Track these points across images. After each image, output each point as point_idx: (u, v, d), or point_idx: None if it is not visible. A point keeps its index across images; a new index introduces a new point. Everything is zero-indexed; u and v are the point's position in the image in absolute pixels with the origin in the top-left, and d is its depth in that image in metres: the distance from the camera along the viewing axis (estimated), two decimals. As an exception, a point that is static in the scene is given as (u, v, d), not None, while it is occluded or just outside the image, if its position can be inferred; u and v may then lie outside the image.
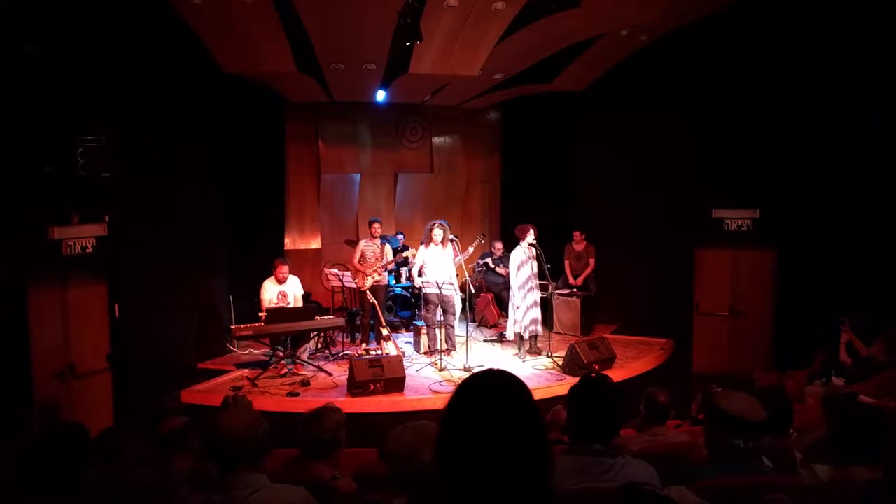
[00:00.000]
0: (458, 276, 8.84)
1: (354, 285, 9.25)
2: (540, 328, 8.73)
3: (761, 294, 9.15)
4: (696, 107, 9.05)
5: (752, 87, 8.65)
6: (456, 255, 8.86)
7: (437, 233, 8.56)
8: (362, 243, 9.23)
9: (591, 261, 10.37)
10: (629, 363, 8.64)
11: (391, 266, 9.59)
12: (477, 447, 1.38)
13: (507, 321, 9.01)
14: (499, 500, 1.37)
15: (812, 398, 5.78)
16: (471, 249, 9.69)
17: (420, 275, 8.68)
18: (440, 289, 8.28)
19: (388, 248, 9.30)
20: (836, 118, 7.99)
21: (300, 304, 8.71)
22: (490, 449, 1.37)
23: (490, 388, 1.47)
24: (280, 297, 8.48)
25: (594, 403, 2.70)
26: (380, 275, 9.14)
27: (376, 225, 9.25)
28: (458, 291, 8.68)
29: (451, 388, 7.47)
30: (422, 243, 8.86)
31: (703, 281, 9.45)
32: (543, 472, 1.41)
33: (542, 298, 8.83)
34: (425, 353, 8.90)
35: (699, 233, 9.35)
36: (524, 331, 8.61)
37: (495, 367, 1.59)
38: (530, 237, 8.48)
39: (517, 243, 8.61)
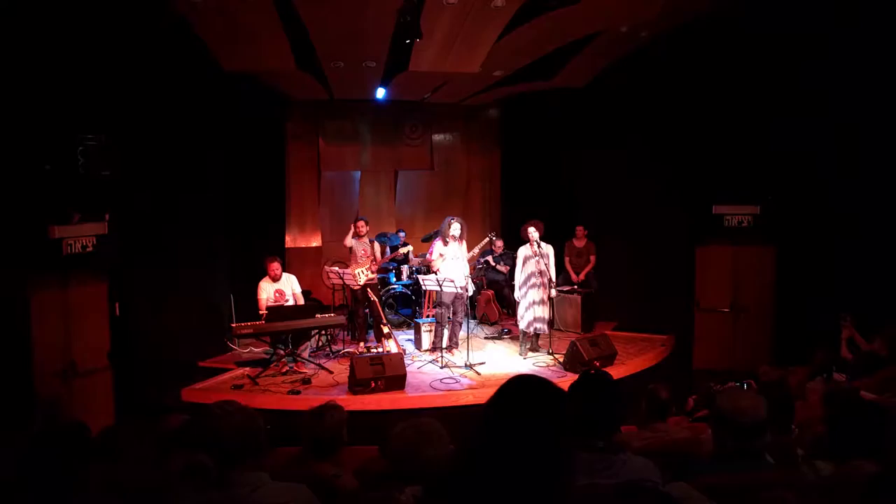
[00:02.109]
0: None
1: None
2: (545, 327, 8.65)
3: (762, 290, 9.15)
4: (696, 103, 9.04)
5: (753, 83, 8.63)
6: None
7: (455, 227, 8.53)
8: (352, 242, 9.19)
9: (592, 258, 10.38)
10: (630, 360, 8.64)
11: (385, 263, 9.57)
12: (512, 448, 1.42)
13: (507, 319, 9.01)
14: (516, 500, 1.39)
15: (813, 394, 5.77)
16: (476, 250, 9.68)
17: (434, 271, 8.63)
18: (441, 286, 8.27)
19: (377, 247, 9.28)
20: (835, 115, 7.98)
21: (301, 301, 8.70)
22: (524, 452, 1.41)
23: (536, 394, 1.51)
24: (277, 295, 8.47)
25: (594, 400, 2.69)
26: (373, 272, 9.11)
27: (361, 223, 9.17)
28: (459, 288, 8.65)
29: (453, 386, 7.50)
30: (436, 238, 8.80)
31: (703, 277, 9.45)
32: (564, 481, 1.44)
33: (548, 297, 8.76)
34: (428, 350, 8.90)
35: (700, 229, 9.34)
36: (528, 326, 8.61)
37: (509, 367, 1.65)
38: (532, 234, 8.47)
39: (524, 242, 8.62)
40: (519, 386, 1.54)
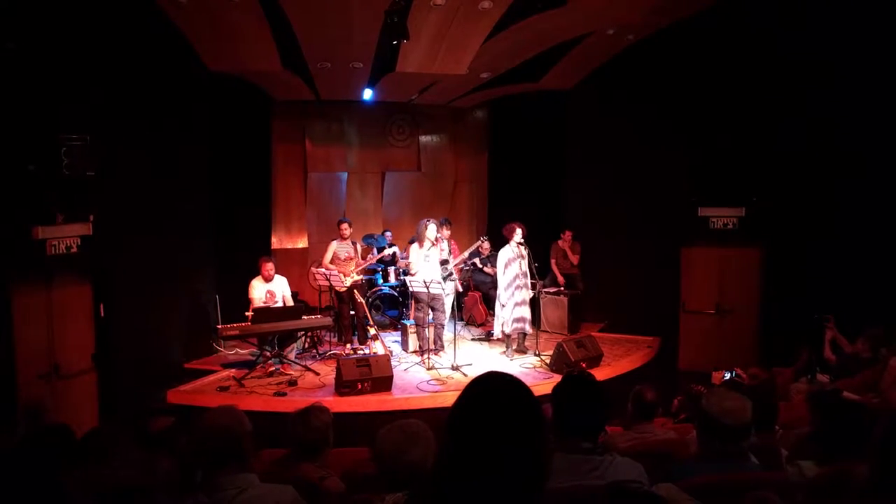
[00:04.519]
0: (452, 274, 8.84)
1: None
2: (528, 327, 8.72)
3: (747, 292, 9.21)
4: (682, 105, 9.09)
5: (738, 86, 8.70)
6: (455, 256, 8.83)
7: (432, 229, 8.53)
8: (333, 244, 9.20)
9: (576, 258, 10.35)
10: (616, 361, 8.68)
11: (370, 264, 9.56)
12: (482, 449, 1.39)
13: (494, 320, 9.02)
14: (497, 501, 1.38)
15: (797, 395, 5.84)
16: (466, 254, 9.70)
17: (411, 273, 8.64)
18: (428, 288, 8.26)
19: (359, 248, 9.27)
20: (822, 116, 8.05)
21: (290, 303, 8.68)
22: (495, 452, 1.39)
23: (500, 392, 1.48)
24: (268, 296, 8.44)
25: (578, 401, 2.69)
26: (358, 274, 9.10)
27: (344, 225, 9.21)
28: (445, 291, 8.64)
29: (439, 388, 7.50)
30: (411, 241, 8.82)
31: (689, 279, 9.51)
32: (541, 479, 1.43)
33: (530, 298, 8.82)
34: (414, 352, 8.89)
35: (685, 231, 9.40)
36: (511, 329, 8.62)
37: (495, 369, 1.59)
38: (517, 236, 8.48)
39: (505, 242, 8.62)
40: (483, 386, 1.51)
